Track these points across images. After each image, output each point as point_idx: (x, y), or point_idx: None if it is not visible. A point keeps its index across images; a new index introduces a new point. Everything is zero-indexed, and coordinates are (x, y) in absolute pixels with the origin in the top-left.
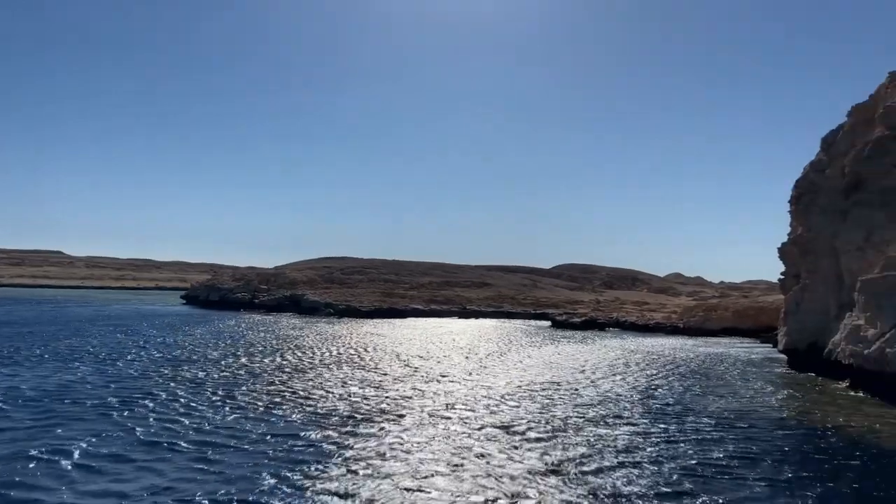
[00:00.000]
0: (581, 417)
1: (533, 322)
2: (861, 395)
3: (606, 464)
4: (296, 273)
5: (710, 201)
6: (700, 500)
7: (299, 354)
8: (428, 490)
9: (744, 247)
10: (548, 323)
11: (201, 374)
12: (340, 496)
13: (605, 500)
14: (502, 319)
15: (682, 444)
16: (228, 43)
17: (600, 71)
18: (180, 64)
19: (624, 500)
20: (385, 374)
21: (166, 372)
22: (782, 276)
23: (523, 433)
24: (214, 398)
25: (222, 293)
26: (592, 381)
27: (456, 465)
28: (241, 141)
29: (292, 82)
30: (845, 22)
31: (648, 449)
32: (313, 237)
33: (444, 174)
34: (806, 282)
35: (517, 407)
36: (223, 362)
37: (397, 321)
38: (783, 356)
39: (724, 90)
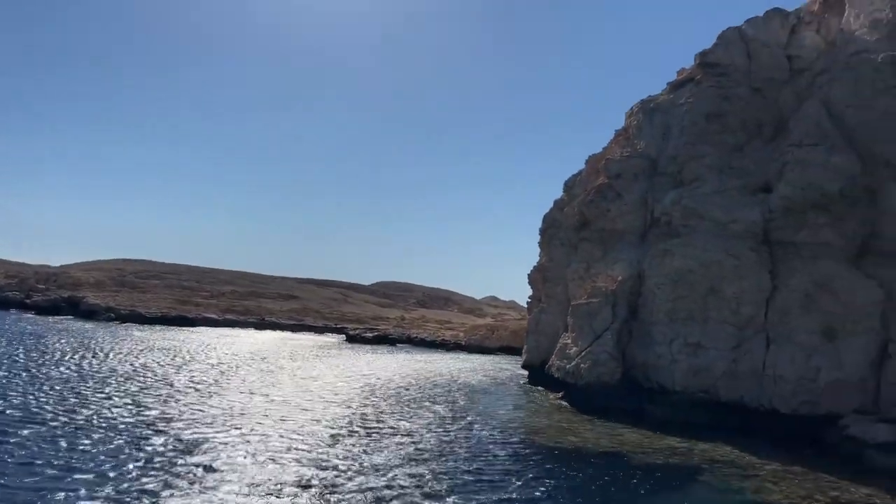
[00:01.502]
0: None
1: (330, 336)
2: (565, 403)
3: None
4: (82, 273)
5: (522, 228)
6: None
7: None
8: None
9: None
10: (343, 337)
11: None
12: None
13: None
14: (300, 332)
15: (392, 450)
16: None
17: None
18: None
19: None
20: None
21: None
22: (529, 300)
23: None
24: None
25: None
26: (335, 394)
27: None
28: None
29: (79, 62)
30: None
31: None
32: (111, 237)
33: (259, 181)
34: (544, 305)
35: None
36: None
37: (185, 329)
38: (525, 371)
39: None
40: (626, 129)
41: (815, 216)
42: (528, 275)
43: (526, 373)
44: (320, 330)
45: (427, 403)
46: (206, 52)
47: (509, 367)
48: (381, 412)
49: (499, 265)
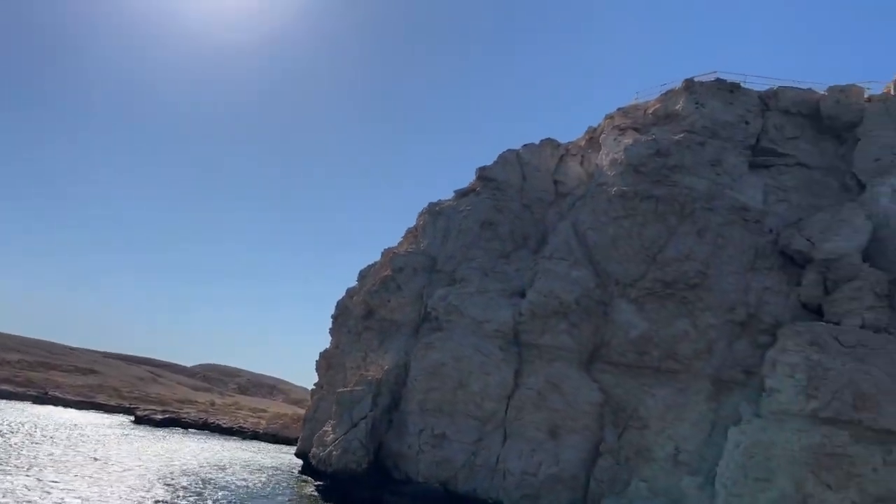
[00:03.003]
0: None
1: (120, 416)
2: (316, 493)
3: None
4: None
5: None
6: None
7: None
8: None
9: None
10: (132, 417)
11: None
12: None
13: None
14: (86, 410)
15: None
16: None
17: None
18: None
19: None
20: None
21: None
22: (314, 386)
23: None
24: None
25: None
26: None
27: None
28: None
29: None
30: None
31: None
32: None
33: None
34: (323, 392)
35: None
36: None
37: None
38: (301, 461)
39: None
40: (416, 227)
41: (555, 322)
42: (316, 361)
43: (301, 462)
44: (111, 409)
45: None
46: None
47: (290, 457)
48: None
49: None
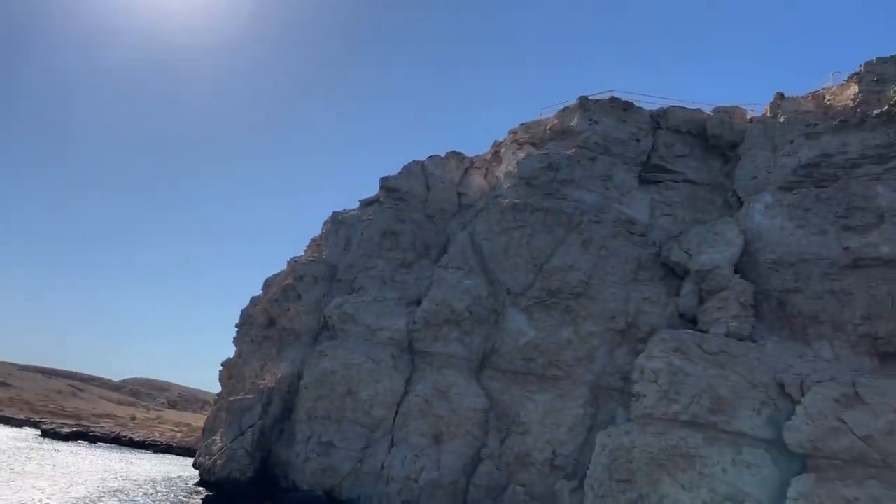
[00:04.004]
0: None
1: (25, 430)
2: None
3: None
4: None
5: None
6: None
7: None
8: None
9: None
10: (38, 431)
11: None
12: None
13: None
14: None
15: None
16: None
17: None
18: None
19: None
20: None
21: None
22: (217, 396)
23: None
24: None
25: None
26: None
27: None
28: None
29: None
30: None
31: None
32: None
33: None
34: (222, 402)
35: None
36: None
37: None
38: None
39: None
40: (320, 236)
41: (448, 330)
42: (219, 371)
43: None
44: (19, 423)
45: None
46: None
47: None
48: None
49: None
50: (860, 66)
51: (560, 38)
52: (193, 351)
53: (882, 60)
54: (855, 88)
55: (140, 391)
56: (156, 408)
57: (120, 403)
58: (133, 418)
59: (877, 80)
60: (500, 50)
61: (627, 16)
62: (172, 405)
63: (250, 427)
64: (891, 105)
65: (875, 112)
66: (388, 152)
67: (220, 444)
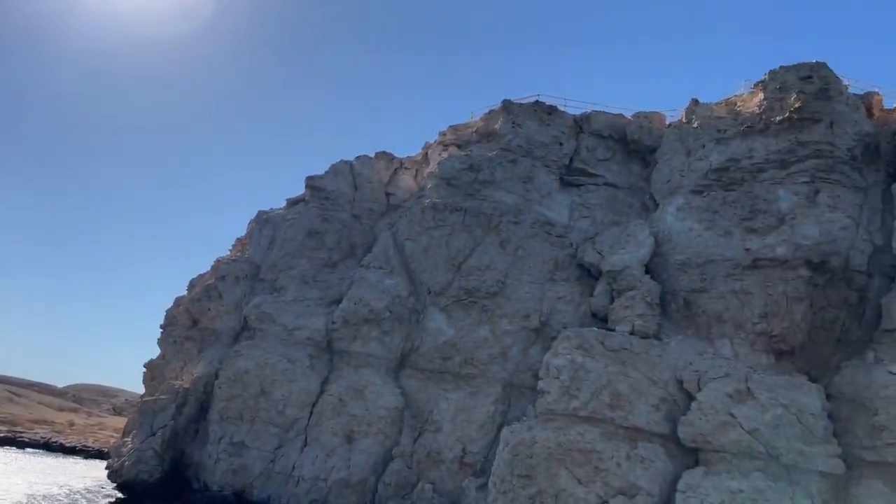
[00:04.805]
0: None
1: None
2: None
3: None
4: None
5: None
6: None
7: None
8: None
9: None
10: None
11: None
12: None
13: None
14: None
15: None
16: None
17: None
18: None
19: None
20: None
21: None
22: (141, 398)
23: None
24: None
25: None
26: None
27: None
28: None
29: None
30: None
31: None
32: None
33: None
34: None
35: None
36: None
37: None
38: None
39: None
40: (245, 236)
41: (367, 329)
42: (143, 373)
43: None
44: None
45: None
46: None
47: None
48: None
49: None
50: (765, 74)
51: (513, 39)
52: (144, 356)
53: (785, 69)
54: (761, 96)
55: (84, 397)
56: (100, 414)
57: (60, 409)
58: (71, 424)
59: (779, 88)
60: (450, 49)
61: (576, 16)
62: (119, 411)
63: (161, 428)
64: (791, 112)
65: (778, 118)
66: (328, 152)
67: (130, 446)
